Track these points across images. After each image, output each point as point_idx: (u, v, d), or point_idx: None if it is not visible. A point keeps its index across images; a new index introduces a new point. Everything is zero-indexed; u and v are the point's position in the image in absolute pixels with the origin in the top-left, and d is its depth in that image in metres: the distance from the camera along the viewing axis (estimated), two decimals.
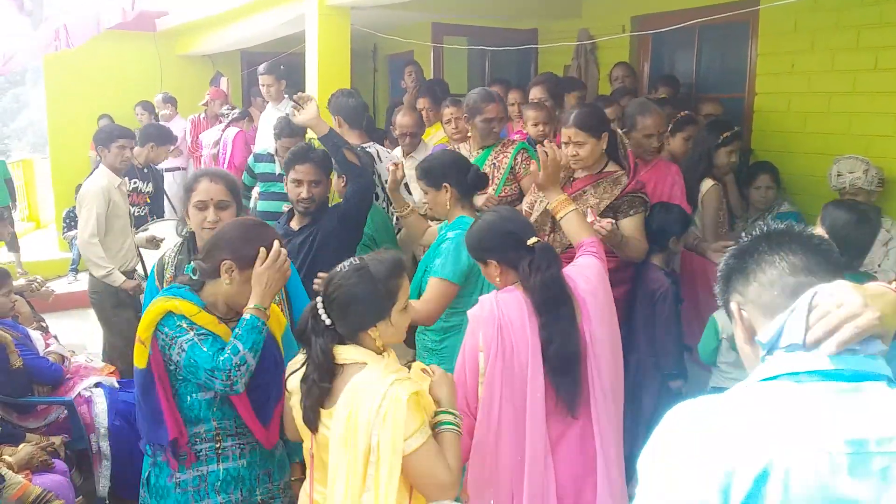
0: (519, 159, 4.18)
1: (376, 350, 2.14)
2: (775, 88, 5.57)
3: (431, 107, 5.76)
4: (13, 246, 9.02)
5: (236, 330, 2.31)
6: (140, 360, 2.33)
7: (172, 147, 8.48)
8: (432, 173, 3.35)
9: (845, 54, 5.01)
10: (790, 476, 1.16)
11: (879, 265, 4.36)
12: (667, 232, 3.79)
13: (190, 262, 2.46)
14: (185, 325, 2.30)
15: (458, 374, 2.49)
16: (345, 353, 2.12)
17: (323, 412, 2.10)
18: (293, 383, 2.22)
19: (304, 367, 2.16)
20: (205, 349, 2.26)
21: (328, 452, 2.07)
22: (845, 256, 1.97)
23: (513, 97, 5.64)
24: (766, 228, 1.45)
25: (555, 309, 2.43)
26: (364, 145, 4.52)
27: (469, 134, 4.47)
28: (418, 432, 2.00)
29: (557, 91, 5.22)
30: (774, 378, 1.28)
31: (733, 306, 1.44)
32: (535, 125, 4.65)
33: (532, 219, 3.72)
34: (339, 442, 2.02)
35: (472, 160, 4.16)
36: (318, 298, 2.16)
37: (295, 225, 3.72)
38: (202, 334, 2.30)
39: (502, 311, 2.46)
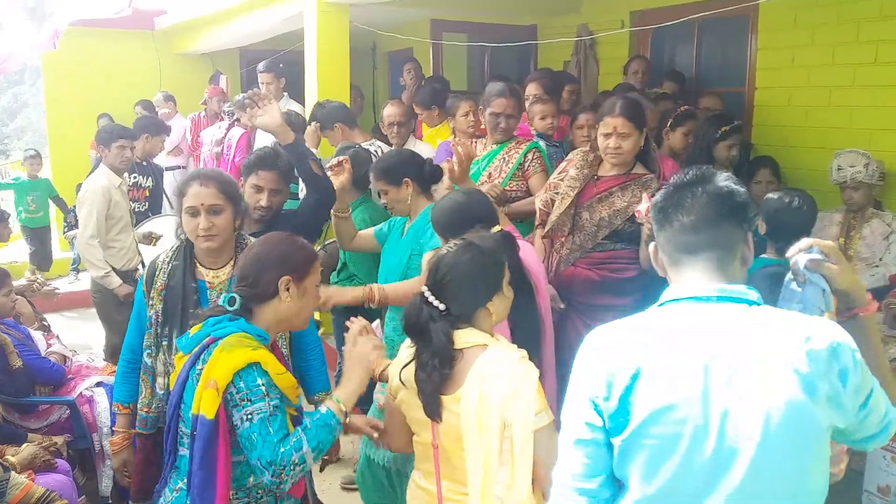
0: (529, 157, 4.11)
1: (490, 332, 2.20)
2: (776, 83, 5.56)
3: (422, 112, 5.70)
4: (47, 266, 8.47)
5: (306, 420, 2.10)
6: (210, 408, 2.02)
7: (172, 146, 8.55)
8: (391, 171, 3.46)
9: (845, 48, 5.01)
10: (658, 374, 1.56)
11: (881, 258, 4.36)
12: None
13: (224, 292, 2.45)
14: (264, 388, 2.04)
15: None
16: (464, 337, 2.14)
17: (445, 398, 2.11)
18: (404, 376, 2.22)
19: (414, 360, 2.18)
20: (271, 431, 2.01)
21: (452, 438, 2.11)
22: (782, 241, 2.69)
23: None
24: (677, 179, 1.74)
25: (519, 291, 2.40)
26: (366, 144, 4.52)
27: (483, 126, 4.42)
28: (544, 411, 2.05)
29: (554, 86, 5.15)
30: (662, 304, 1.69)
31: (650, 247, 1.81)
32: (543, 119, 4.62)
33: (551, 219, 3.68)
34: (472, 422, 2.05)
35: (483, 154, 4.18)
36: (424, 287, 2.18)
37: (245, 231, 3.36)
38: (276, 407, 2.05)
39: None
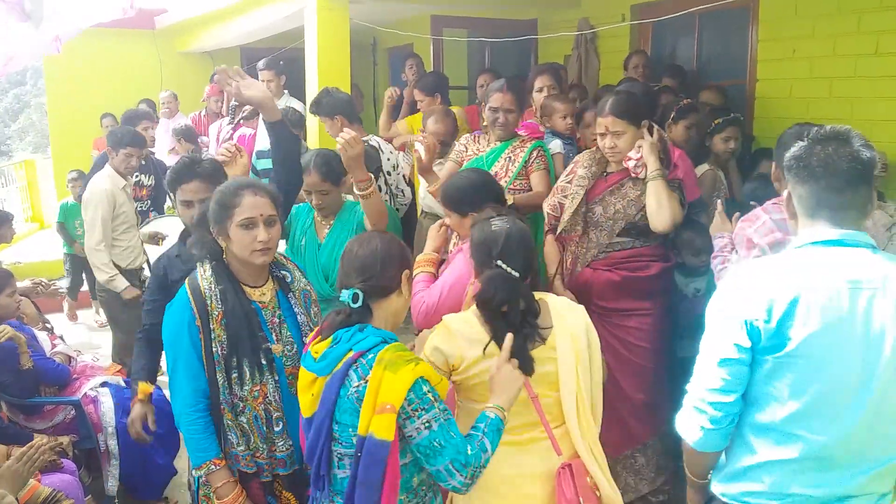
0: (534, 155, 4.00)
1: None
2: (777, 74, 5.55)
3: (423, 98, 5.67)
4: (73, 293, 7.47)
5: (481, 426, 2.10)
6: (388, 431, 1.96)
7: (174, 145, 8.55)
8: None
9: (846, 39, 5.00)
10: (812, 301, 1.81)
11: (884, 249, 4.35)
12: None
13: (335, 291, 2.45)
14: (431, 396, 2.02)
15: (448, 277, 2.89)
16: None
17: (534, 352, 2.30)
18: (489, 350, 2.30)
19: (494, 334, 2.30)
20: (454, 435, 2.01)
21: (546, 385, 2.36)
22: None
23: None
24: (820, 136, 1.95)
25: None
26: (364, 139, 4.51)
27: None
28: None
29: (560, 79, 5.06)
30: (802, 246, 1.92)
31: (784, 195, 2.04)
32: (564, 118, 4.51)
33: (562, 220, 3.61)
34: (570, 356, 2.36)
35: (487, 151, 4.09)
36: (498, 262, 2.30)
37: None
38: (444, 410, 2.04)
39: None
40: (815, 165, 1.90)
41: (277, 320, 2.55)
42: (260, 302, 2.52)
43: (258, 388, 2.46)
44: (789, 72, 5.42)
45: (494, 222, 2.42)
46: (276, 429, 2.48)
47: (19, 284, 4.41)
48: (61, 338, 4.72)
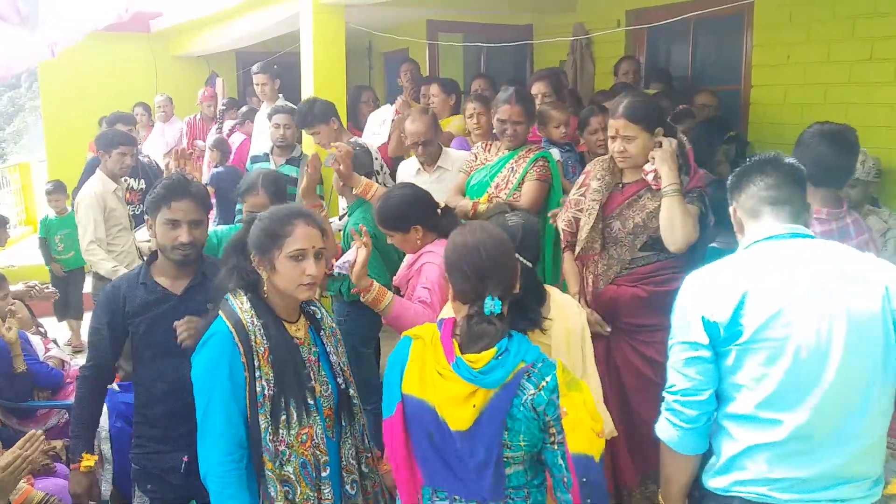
0: (534, 166, 3.89)
1: None
2: (771, 80, 5.57)
3: (438, 93, 5.65)
4: (79, 314, 6.81)
5: None
6: (599, 450, 1.98)
7: (169, 149, 8.55)
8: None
9: (841, 45, 5.02)
10: (763, 289, 1.98)
11: (878, 255, 4.36)
12: None
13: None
14: None
15: (431, 277, 3.03)
16: None
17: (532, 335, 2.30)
18: None
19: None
20: None
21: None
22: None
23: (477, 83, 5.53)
24: (754, 159, 2.22)
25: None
26: (352, 140, 4.52)
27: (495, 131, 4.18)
28: None
29: (560, 85, 5.04)
30: (749, 245, 2.13)
31: (731, 209, 2.24)
32: (558, 127, 4.48)
33: (580, 239, 3.43)
34: (562, 346, 2.52)
35: (496, 159, 4.03)
36: (516, 254, 2.31)
37: (172, 285, 2.77)
38: None
39: None
40: (751, 173, 2.18)
41: (314, 358, 2.40)
42: (296, 338, 2.37)
43: (306, 430, 2.28)
44: (784, 77, 5.44)
45: (510, 218, 2.68)
46: (324, 474, 2.30)
47: (13, 288, 4.40)
48: (55, 342, 4.71)
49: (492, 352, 1.99)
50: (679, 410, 2.07)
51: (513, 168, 3.95)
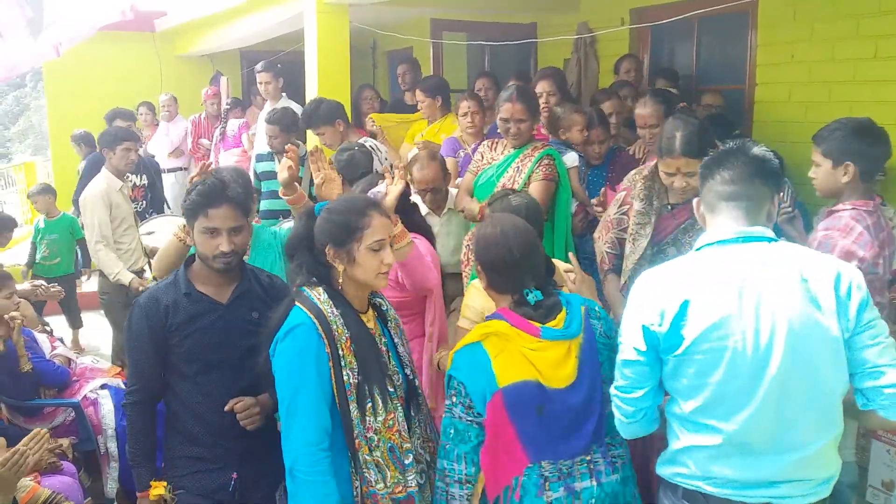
0: (539, 165, 3.90)
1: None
2: (775, 79, 5.56)
3: (424, 99, 5.58)
4: (76, 322, 6.67)
5: None
6: None
7: (174, 148, 8.59)
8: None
9: (845, 43, 5.01)
10: (702, 301, 1.96)
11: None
12: None
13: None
14: None
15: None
16: None
17: None
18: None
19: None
20: None
21: None
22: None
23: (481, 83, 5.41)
24: (721, 149, 2.16)
25: None
26: (361, 141, 4.52)
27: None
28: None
29: (564, 84, 5.03)
30: (700, 248, 2.11)
31: (694, 202, 2.22)
32: (581, 130, 4.34)
33: (626, 267, 3.18)
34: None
35: (501, 158, 4.02)
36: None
37: (217, 294, 2.61)
38: None
39: None
40: (713, 165, 2.13)
41: (384, 348, 2.43)
42: (369, 328, 2.41)
43: (392, 416, 2.32)
44: (788, 76, 5.43)
45: (513, 198, 2.95)
46: (406, 461, 2.33)
47: (18, 287, 4.42)
48: (61, 340, 4.73)
49: (563, 311, 2.30)
50: (618, 405, 2.15)
51: (518, 167, 3.95)
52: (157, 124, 9.02)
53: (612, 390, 2.16)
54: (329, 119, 4.81)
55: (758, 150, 2.11)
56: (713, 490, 2.04)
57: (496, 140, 4.18)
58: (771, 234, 2.06)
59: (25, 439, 2.81)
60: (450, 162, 4.68)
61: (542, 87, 4.73)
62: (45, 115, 10.27)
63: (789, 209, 4.01)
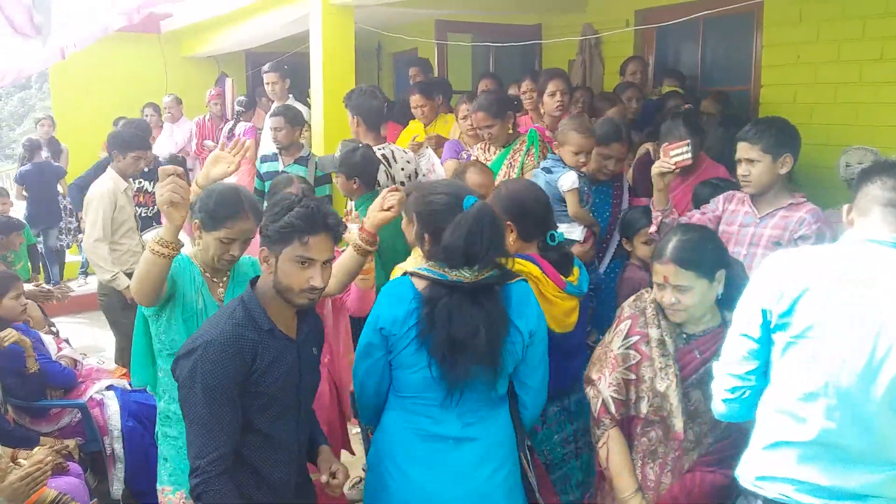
0: (528, 159, 4.10)
1: None
2: (781, 80, 5.55)
3: (425, 102, 5.59)
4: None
5: None
6: None
7: (178, 149, 8.60)
8: None
9: (851, 45, 5.00)
10: (823, 290, 1.97)
11: None
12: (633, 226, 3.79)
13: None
14: None
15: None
16: None
17: None
18: None
19: None
20: None
21: None
22: None
23: (526, 87, 5.20)
24: (882, 161, 2.19)
25: None
26: (377, 147, 4.49)
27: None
28: None
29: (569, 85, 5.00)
30: (855, 243, 2.06)
31: (844, 208, 2.19)
32: (577, 154, 3.85)
33: (641, 411, 2.53)
34: None
35: (494, 158, 4.26)
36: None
37: (288, 329, 2.34)
38: None
39: None
40: (874, 171, 2.13)
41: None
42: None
43: None
44: (793, 77, 5.43)
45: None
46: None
47: (25, 288, 4.42)
48: (67, 341, 4.74)
49: (576, 269, 2.75)
50: (725, 382, 2.19)
51: (510, 163, 4.20)
52: (162, 126, 9.04)
53: (723, 367, 2.21)
54: (353, 111, 4.73)
55: None
56: (798, 497, 1.97)
57: (487, 142, 4.40)
58: None
59: (40, 454, 2.86)
60: (453, 164, 4.69)
61: (555, 86, 4.67)
62: (51, 116, 10.26)
63: None
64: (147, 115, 9.06)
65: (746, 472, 2.13)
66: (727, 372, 2.18)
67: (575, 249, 3.54)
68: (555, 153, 3.97)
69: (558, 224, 3.02)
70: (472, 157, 4.33)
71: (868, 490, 1.92)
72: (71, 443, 3.84)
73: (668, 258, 2.44)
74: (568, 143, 3.84)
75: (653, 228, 3.41)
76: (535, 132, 4.27)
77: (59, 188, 8.83)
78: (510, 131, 4.42)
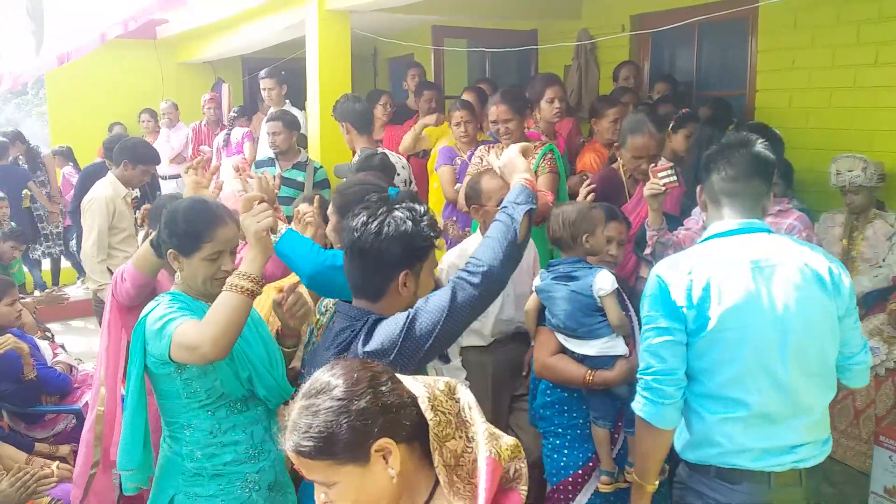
0: (544, 160, 4.00)
1: None
2: (776, 85, 5.57)
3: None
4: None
5: None
6: None
7: (175, 154, 8.59)
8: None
9: (846, 50, 5.02)
10: (721, 284, 2.15)
11: (884, 259, 4.36)
12: None
13: None
14: None
15: None
16: None
17: None
18: None
19: None
20: None
21: None
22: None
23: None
24: (723, 141, 2.37)
25: None
26: (384, 151, 4.48)
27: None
28: None
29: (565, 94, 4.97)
30: (707, 239, 2.31)
31: (698, 188, 2.44)
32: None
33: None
34: None
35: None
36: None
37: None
38: None
39: None
40: (717, 158, 2.32)
41: None
42: None
43: None
44: (789, 82, 5.44)
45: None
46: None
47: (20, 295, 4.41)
48: (62, 346, 4.72)
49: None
50: (656, 388, 2.20)
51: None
52: (159, 131, 9.03)
53: (645, 376, 2.22)
54: (339, 119, 4.74)
55: (758, 149, 2.30)
56: (748, 465, 2.18)
57: (491, 145, 4.24)
58: (768, 225, 2.28)
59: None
60: (447, 170, 4.68)
61: (554, 93, 4.57)
62: (47, 122, 10.26)
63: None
64: (144, 121, 9.06)
65: (693, 452, 2.27)
66: (661, 380, 2.19)
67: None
68: None
69: (595, 340, 2.88)
70: (476, 160, 4.24)
71: (796, 440, 2.18)
72: (65, 449, 3.83)
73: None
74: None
75: (648, 250, 3.38)
76: (554, 147, 4.14)
77: (30, 190, 8.13)
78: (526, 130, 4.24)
